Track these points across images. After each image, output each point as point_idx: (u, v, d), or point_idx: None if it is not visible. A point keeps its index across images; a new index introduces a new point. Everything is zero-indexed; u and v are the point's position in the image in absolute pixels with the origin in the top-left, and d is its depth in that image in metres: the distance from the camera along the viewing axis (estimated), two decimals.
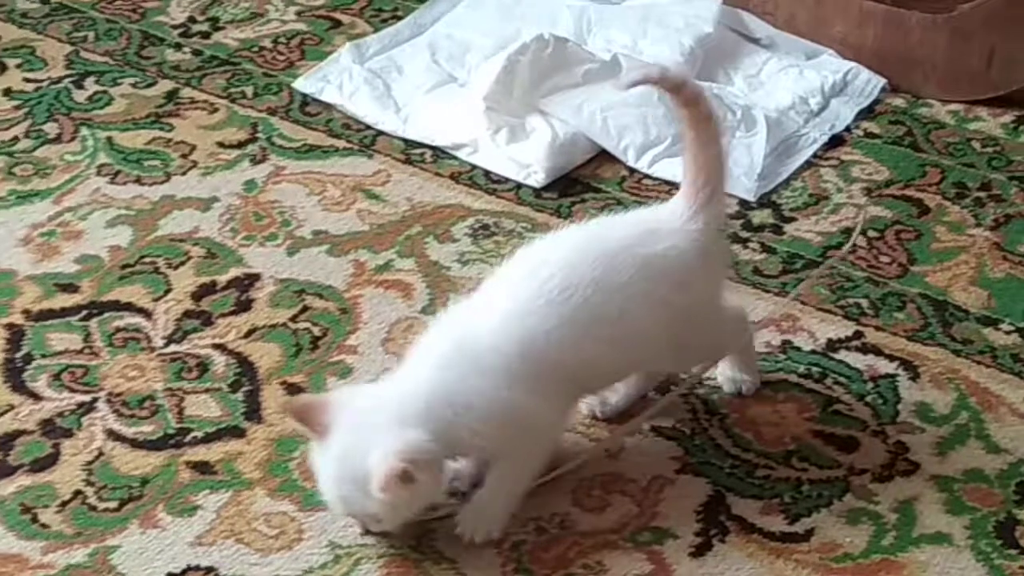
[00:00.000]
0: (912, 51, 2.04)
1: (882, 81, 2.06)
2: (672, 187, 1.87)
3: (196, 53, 2.17)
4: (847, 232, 1.79)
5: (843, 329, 1.64)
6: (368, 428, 1.31)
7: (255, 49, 2.18)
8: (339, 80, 2.06)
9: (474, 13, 2.23)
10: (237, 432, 1.51)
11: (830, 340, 1.62)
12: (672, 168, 1.89)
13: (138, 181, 1.89)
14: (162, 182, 1.89)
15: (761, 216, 1.83)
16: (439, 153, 1.95)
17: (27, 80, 2.11)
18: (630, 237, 1.40)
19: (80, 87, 2.09)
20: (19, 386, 1.57)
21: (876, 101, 2.04)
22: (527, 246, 1.43)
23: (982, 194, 1.86)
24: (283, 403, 1.49)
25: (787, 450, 1.49)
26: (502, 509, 1.38)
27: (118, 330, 1.64)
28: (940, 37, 2.02)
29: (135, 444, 1.50)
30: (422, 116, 1.99)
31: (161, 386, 1.57)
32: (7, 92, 2.08)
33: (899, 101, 2.05)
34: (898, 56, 2.05)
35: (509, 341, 1.33)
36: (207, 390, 1.56)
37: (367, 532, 1.38)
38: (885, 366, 1.59)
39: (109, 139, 1.98)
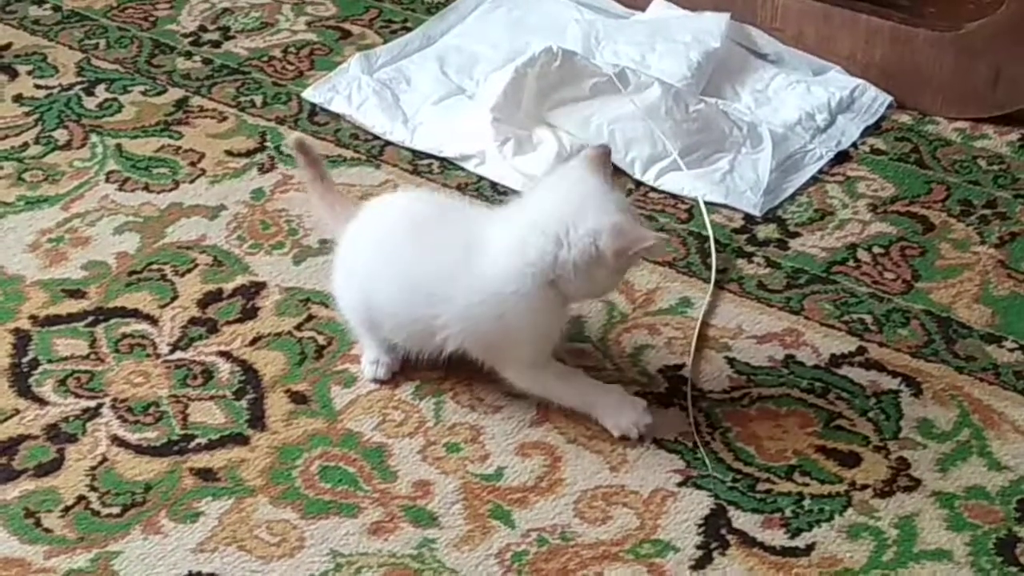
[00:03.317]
0: (919, 69, 2.05)
1: (888, 98, 2.07)
2: (678, 200, 1.88)
3: (206, 62, 2.19)
4: (852, 248, 1.80)
5: (847, 345, 1.64)
6: None
7: (265, 58, 2.20)
8: (348, 90, 2.07)
9: (483, 25, 2.24)
10: (241, 439, 1.52)
11: (833, 355, 1.63)
12: (678, 181, 1.90)
13: (146, 188, 1.90)
14: (170, 190, 1.90)
15: (766, 231, 1.84)
16: (446, 164, 1.96)
17: (38, 87, 2.12)
18: None
19: (90, 94, 2.10)
20: (25, 391, 1.58)
21: (882, 118, 2.05)
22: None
23: (987, 212, 1.87)
24: None
25: (789, 464, 1.49)
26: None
27: (124, 336, 1.65)
28: (947, 55, 2.02)
29: (139, 450, 1.50)
30: (430, 127, 2.00)
31: (166, 393, 1.58)
32: (18, 98, 2.09)
33: (905, 118, 2.06)
34: (905, 73, 2.06)
35: None
36: (211, 397, 1.57)
37: None
38: (888, 382, 1.59)
39: (118, 146, 1.99)
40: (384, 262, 1.52)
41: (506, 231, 1.47)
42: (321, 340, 1.64)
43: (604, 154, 1.50)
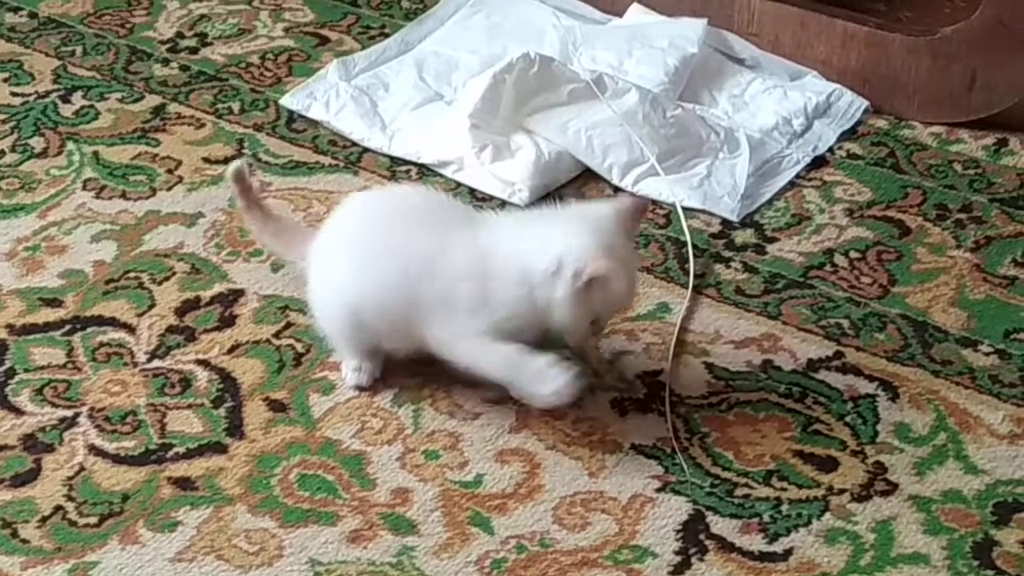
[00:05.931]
0: (895, 73, 2.06)
1: (865, 103, 2.08)
2: (656, 205, 1.89)
3: (183, 68, 2.18)
4: (829, 252, 1.81)
5: (824, 349, 1.65)
6: None
7: (242, 65, 2.19)
8: (326, 97, 2.07)
9: (461, 31, 2.25)
10: (219, 448, 1.51)
11: (811, 360, 1.63)
12: (656, 187, 1.90)
13: (123, 196, 1.90)
14: (147, 197, 1.90)
15: (744, 236, 1.84)
16: (424, 170, 1.96)
17: (14, 94, 2.12)
18: None
19: (67, 101, 2.10)
20: (1, 400, 1.57)
21: (859, 123, 2.06)
22: None
23: (963, 216, 1.88)
24: None
25: (767, 469, 1.49)
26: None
27: (101, 345, 1.65)
28: (922, 60, 2.03)
29: (116, 459, 1.50)
30: (408, 133, 2.00)
31: (143, 401, 1.57)
32: None
33: (882, 123, 2.06)
34: (881, 78, 2.07)
35: None
36: (189, 406, 1.57)
37: None
38: (865, 386, 1.60)
39: (95, 154, 1.98)
40: (407, 261, 1.50)
41: None
42: (299, 348, 1.64)
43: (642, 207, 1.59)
